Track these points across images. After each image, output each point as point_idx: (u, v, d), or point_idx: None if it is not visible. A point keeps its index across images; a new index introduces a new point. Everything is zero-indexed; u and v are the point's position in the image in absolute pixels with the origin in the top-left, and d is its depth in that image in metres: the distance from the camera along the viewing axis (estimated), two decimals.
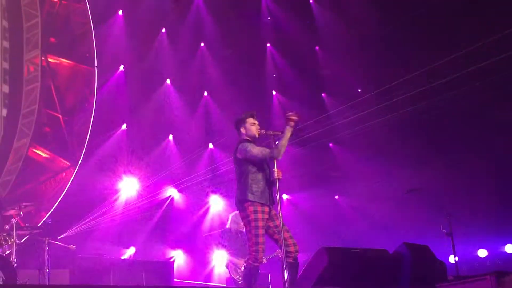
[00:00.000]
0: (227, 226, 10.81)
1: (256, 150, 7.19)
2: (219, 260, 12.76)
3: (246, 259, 7.24)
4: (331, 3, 16.81)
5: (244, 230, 7.57)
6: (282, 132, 7.12)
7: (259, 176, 7.21)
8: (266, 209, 7.14)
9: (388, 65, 15.12)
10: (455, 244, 9.94)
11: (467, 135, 14.30)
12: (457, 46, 12.73)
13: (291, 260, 6.99)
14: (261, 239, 7.04)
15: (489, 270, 9.41)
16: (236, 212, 10.56)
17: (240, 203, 7.21)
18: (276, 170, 7.14)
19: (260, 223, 7.05)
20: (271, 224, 7.20)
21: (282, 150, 7.09)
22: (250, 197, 7.11)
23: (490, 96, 13.18)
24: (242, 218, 7.25)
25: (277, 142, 7.16)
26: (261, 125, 7.46)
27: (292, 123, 7.10)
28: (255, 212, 7.08)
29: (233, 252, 10.41)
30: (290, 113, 7.15)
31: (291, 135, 7.12)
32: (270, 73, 17.46)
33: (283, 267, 6.88)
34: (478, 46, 12.05)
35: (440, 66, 12.85)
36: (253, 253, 7.02)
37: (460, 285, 7.08)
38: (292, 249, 7.05)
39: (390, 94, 13.94)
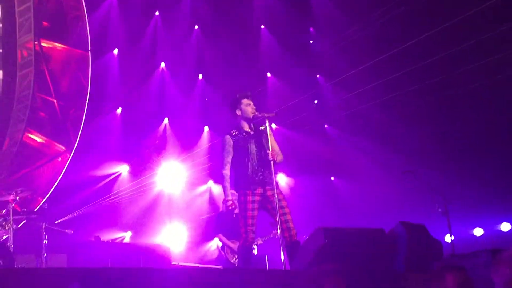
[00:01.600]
0: (221, 209, 10.84)
1: (224, 152, 7.37)
2: (215, 243, 12.80)
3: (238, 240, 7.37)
4: None
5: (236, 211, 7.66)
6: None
7: (249, 162, 7.27)
8: (258, 191, 7.20)
9: (385, 46, 15.05)
10: (451, 223, 9.97)
11: (463, 115, 14.32)
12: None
13: (286, 243, 7.10)
14: (249, 221, 7.15)
15: (485, 248, 9.46)
16: None
17: (233, 187, 7.40)
18: (270, 151, 7.17)
19: (249, 206, 7.16)
20: (268, 206, 7.27)
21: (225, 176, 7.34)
22: (240, 183, 7.27)
23: (487, 78, 13.16)
24: (237, 200, 7.35)
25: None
26: (256, 107, 7.48)
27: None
28: (245, 195, 7.21)
29: (228, 235, 10.43)
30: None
31: None
32: (264, 55, 17.38)
33: (280, 248, 6.98)
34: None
35: (436, 50, 12.88)
36: (243, 235, 7.20)
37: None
38: (286, 233, 7.11)
39: (386, 76, 13.96)
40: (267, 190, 7.25)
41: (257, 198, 7.18)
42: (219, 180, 15.25)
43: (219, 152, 7.49)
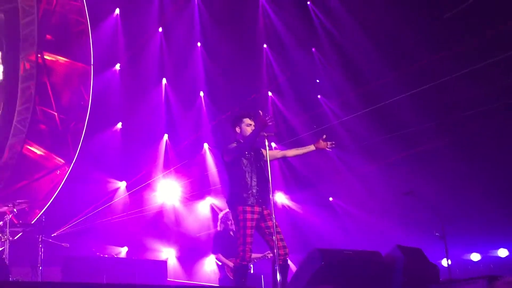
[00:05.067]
0: (218, 228, 10.78)
1: (232, 146, 7.37)
2: (212, 261, 12.75)
3: (234, 259, 7.31)
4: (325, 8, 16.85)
5: (233, 228, 7.66)
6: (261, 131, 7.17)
7: (248, 178, 7.25)
8: (257, 209, 7.18)
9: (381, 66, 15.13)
10: (448, 247, 9.96)
11: (460, 138, 14.35)
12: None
13: (281, 263, 7.02)
14: (248, 239, 7.10)
15: (482, 274, 9.44)
16: (224, 212, 10.62)
17: (231, 204, 7.32)
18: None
19: (248, 223, 7.11)
20: (262, 224, 7.24)
21: (248, 140, 7.24)
22: (239, 199, 7.19)
23: (482, 99, 13.22)
24: (233, 218, 7.34)
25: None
26: None
27: (261, 124, 7.10)
28: (244, 212, 7.15)
29: (227, 253, 10.37)
30: (267, 117, 7.17)
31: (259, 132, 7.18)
32: (266, 74, 17.45)
33: (274, 268, 6.94)
34: None
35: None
36: (241, 253, 7.11)
37: None
38: (281, 251, 7.09)
39: (383, 96, 14.03)
40: (264, 209, 7.25)
41: (255, 216, 7.16)
42: (221, 191, 15.38)
43: (226, 155, 7.38)
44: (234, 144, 7.40)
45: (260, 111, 7.18)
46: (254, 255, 10.36)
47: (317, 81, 17.18)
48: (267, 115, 7.08)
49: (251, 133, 7.24)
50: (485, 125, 13.77)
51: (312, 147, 7.68)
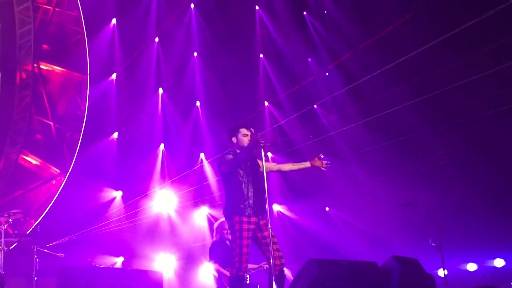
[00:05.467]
0: (214, 239, 10.74)
1: (229, 158, 7.35)
2: (207, 271, 12.70)
3: (230, 269, 7.27)
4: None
5: (229, 237, 7.64)
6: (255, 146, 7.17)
7: (245, 188, 7.25)
8: (253, 219, 7.18)
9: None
10: (444, 257, 9.95)
11: (457, 150, 14.38)
12: None
13: (277, 273, 7.01)
14: (244, 250, 7.09)
15: (478, 284, 9.43)
16: (219, 222, 10.60)
17: (227, 214, 7.30)
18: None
19: (245, 234, 7.10)
20: (259, 234, 7.23)
21: (243, 156, 7.25)
22: (236, 210, 7.19)
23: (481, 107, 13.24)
24: (229, 228, 7.33)
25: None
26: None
27: (254, 141, 7.14)
28: (240, 222, 7.14)
29: (224, 263, 10.33)
30: (259, 134, 7.21)
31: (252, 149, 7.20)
32: (262, 84, 17.48)
33: (270, 279, 6.92)
34: None
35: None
36: (236, 264, 7.08)
37: None
38: (278, 261, 7.08)
39: (381, 107, 14.03)
40: (260, 219, 7.25)
41: (252, 226, 7.16)
42: (219, 199, 15.36)
43: (223, 167, 7.38)
44: (230, 156, 7.40)
45: (252, 129, 7.26)
46: (250, 266, 10.33)
47: (327, 73, 17.07)
48: (259, 133, 7.14)
49: (245, 149, 7.27)
50: (482, 134, 13.80)
51: (307, 164, 7.68)
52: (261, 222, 7.25)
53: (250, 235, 7.16)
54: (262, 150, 7.28)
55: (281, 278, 7.10)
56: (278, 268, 7.06)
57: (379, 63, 14.59)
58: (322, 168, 7.65)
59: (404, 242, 14.26)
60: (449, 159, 14.50)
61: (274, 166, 7.94)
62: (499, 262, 14.78)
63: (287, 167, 7.85)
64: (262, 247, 7.25)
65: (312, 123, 16.49)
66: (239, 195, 7.23)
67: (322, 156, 7.67)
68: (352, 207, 16.26)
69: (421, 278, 8.16)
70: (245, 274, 7.73)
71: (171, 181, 15.78)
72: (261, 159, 7.31)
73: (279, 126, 16.59)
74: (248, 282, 10.50)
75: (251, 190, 7.27)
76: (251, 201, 7.21)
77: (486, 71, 11.73)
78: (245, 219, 7.14)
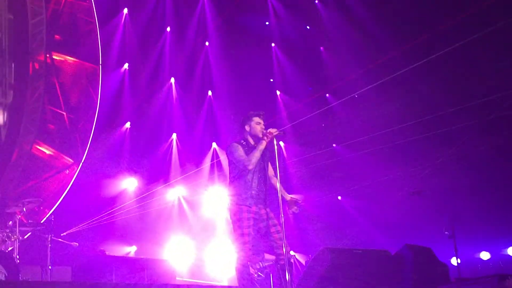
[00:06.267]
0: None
1: (238, 154, 7.26)
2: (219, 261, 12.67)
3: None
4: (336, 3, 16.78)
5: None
6: (262, 142, 7.20)
7: (250, 177, 7.22)
8: (254, 209, 7.13)
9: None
10: (457, 246, 9.93)
11: (470, 137, 14.25)
12: None
13: (282, 262, 6.90)
14: (246, 238, 7.01)
15: (491, 273, 9.40)
16: None
17: (229, 201, 7.25)
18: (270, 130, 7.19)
19: (245, 223, 7.05)
20: (261, 225, 7.16)
21: (254, 160, 7.15)
22: (237, 199, 7.16)
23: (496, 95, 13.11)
24: (230, 218, 7.27)
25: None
26: (266, 126, 7.47)
27: (267, 139, 7.17)
28: (240, 212, 7.10)
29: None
30: (272, 130, 7.21)
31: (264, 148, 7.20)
32: (275, 73, 17.45)
33: (277, 270, 6.88)
34: None
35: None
36: (238, 254, 7.01)
37: None
38: (281, 251, 6.99)
39: (392, 92, 13.95)
40: (262, 208, 7.18)
41: (252, 215, 7.11)
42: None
43: (230, 155, 7.32)
44: (240, 148, 7.34)
45: (264, 130, 7.30)
46: (268, 256, 10.32)
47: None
48: (264, 132, 7.23)
49: (259, 151, 7.20)
50: (496, 120, 13.70)
51: (287, 197, 7.42)
52: (262, 211, 7.20)
53: (251, 224, 7.09)
54: (274, 139, 7.27)
55: (288, 266, 7.00)
56: (283, 257, 6.97)
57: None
58: (292, 210, 7.48)
59: (417, 231, 14.22)
60: (465, 148, 14.38)
61: (271, 170, 7.73)
62: None
63: (275, 183, 7.48)
64: (266, 237, 7.20)
65: (324, 112, 16.39)
66: (243, 184, 7.19)
67: (300, 202, 7.53)
68: (364, 196, 16.21)
69: (434, 267, 8.16)
70: (249, 263, 7.56)
71: (183, 170, 15.82)
72: (273, 150, 7.28)
73: (291, 114, 16.54)
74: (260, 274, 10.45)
75: (255, 180, 7.23)
76: (254, 192, 7.17)
77: None
78: (245, 208, 7.10)
